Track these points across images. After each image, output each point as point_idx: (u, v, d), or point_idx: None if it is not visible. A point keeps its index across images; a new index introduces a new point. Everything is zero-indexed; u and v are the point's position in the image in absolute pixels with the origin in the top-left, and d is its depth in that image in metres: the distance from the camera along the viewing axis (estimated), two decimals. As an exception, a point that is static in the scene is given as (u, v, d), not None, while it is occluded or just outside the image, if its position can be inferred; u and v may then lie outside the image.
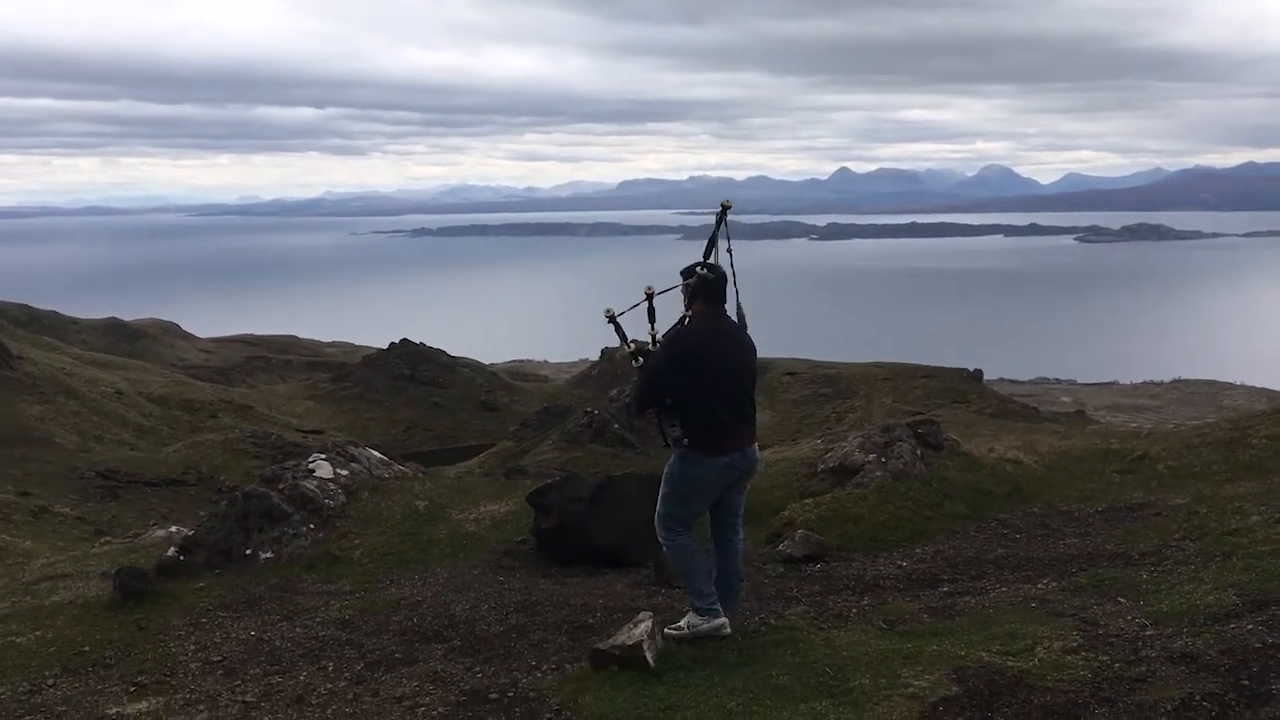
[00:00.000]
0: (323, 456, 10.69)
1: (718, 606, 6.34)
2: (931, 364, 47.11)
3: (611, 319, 6.54)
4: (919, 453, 10.32)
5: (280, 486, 9.97)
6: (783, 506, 9.88)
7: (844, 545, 8.80)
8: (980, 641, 5.81)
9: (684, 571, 6.47)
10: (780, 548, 8.69)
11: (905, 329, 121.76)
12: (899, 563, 8.27)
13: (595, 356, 50.29)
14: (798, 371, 45.04)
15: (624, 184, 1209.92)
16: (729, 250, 6.45)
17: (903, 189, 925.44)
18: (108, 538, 15.24)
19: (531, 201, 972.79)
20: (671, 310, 6.55)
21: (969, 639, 5.89)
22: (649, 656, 5.74)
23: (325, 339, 70.13)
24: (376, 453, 11.49)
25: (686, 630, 6.31)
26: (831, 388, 42.98)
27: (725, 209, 6.53)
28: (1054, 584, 7.10)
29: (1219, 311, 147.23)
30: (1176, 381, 72.64)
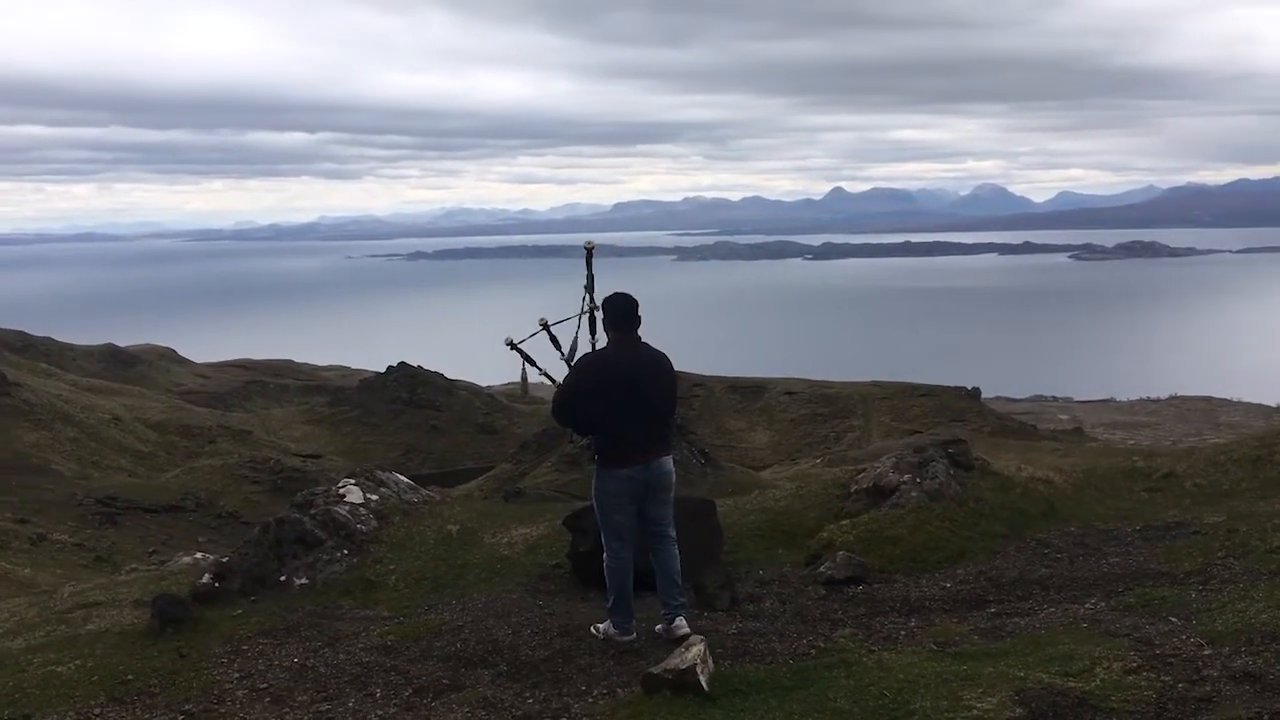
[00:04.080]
0: (352, 481, 10.62)
1: (630, 624, 6.97)
2: (929, 383, 47.17)
3: (513, 345, 7.31)
4: (952, 473, 10.23)
5: (312, 512, 9.89)
6: (817, 528, 9.84)
7: (885, 567, 8.74)
8: (1037, 663, 5.74)
9: (612, 588, 7.03)
10: (822, 569, 8.62)
11: (902, 348, 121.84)
12: (942, 584, 8.24)
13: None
14: (796, 391, 45.08)
15: (619, 205, 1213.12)
16: (586, 286, 7.26)
17: (897, 208, 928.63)
18: (134, 565, 15.15)
19: (527, 224, 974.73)
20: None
21: (1025, 660, 5.82)
22: (702, 680, 5.71)
23: (321, 363, 70.09)
24: (403, 477, 11.42)
25: (601, 635, 7.00)
26: (830, 407, 43.02)
27: (590, 249, 7.40)
28: (1102, 604, 7.05)
29: (1215, 328, 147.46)
30: (1173, 398, 72.60)
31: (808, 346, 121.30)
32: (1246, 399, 70.05)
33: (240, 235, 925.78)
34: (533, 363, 7.41)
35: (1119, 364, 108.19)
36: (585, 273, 7.13)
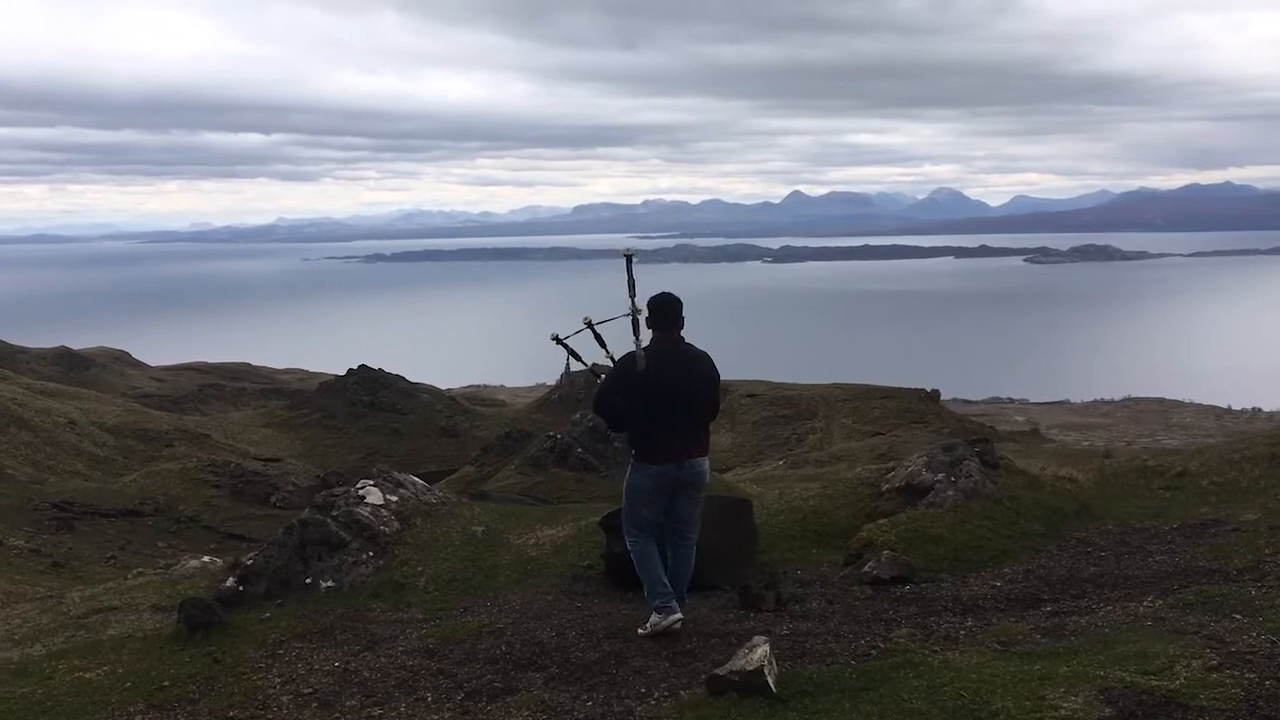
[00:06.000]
0: (371, 483, 10.44)
1: (673, 603, 6.92)
2: (889, 384, 47.55)
3: (558, 341, 7.34)
4: (984, 471, 10.11)
5: (334, 514, 9.70)
6: (849, 528, 9.71)
7: (929, 566, 8.62)
8: (1111, 661, 5.64)
9: (644, 576, 7.07)
10: (866, 569, 8.45)
11: (862, 350, 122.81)
12: (991, 583, 8.09)
13: (553, 381, 50.24)
14: (757, 393, 45.24)
15: (579, 208, 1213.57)
16: (631, 294, 7.19)
17: (855, 212, 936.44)
18: (140, 569, 14.85)
19: (487, 226, 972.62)
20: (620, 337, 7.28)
21: (1098, 659, 5.71)
22: (770, 681, 5.61)
23: (279, 366, 69.48)
24: (418, 479, 11.25)
25: (649, 630, 6.91)
26: (791, 409, 43.20)
27: (629, 257, 7.37)
28: (1160, 602, 6.92)
29: (1167, 330, 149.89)
30: (1127, 400, 73.85)
31: (768, 349, 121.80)
32: (1198, 400, 71.35)
33: (196, 237, 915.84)
34: (578, 358, 7.41)
35: (1074, 366, 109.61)
36: (626, 278, 7.21)
